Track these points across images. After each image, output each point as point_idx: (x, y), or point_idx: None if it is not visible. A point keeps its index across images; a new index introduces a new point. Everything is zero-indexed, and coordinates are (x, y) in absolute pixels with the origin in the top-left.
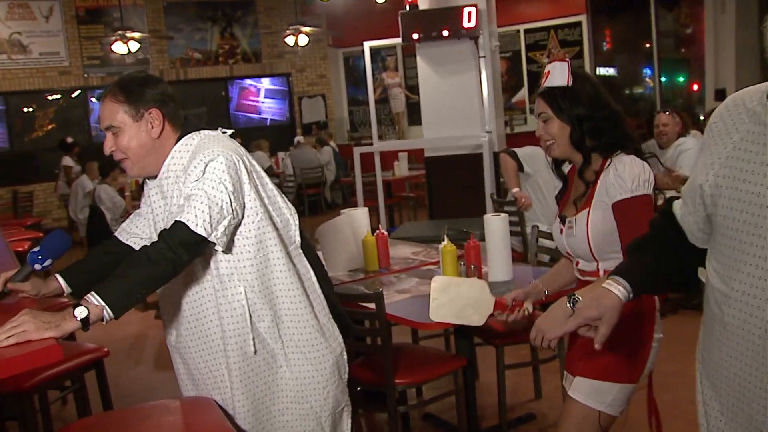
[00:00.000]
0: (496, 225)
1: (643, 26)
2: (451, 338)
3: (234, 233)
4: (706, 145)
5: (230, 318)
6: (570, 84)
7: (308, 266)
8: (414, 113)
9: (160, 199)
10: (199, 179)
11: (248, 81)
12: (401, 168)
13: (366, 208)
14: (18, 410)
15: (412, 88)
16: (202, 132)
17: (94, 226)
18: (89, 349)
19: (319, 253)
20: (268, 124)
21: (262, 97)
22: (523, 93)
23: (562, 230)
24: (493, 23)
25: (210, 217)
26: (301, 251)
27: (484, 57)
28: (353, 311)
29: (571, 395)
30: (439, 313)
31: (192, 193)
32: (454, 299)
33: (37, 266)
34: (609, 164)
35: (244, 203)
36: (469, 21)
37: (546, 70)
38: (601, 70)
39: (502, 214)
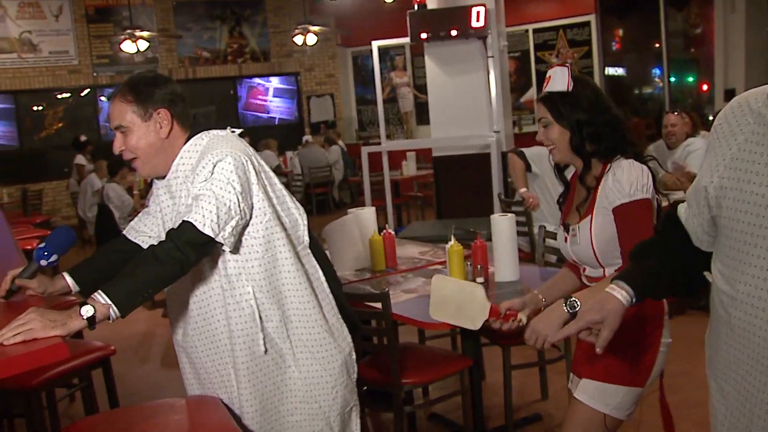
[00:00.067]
0: (503, 225)
1: (653, 26)
2: (458, 338)
3: (242, 233)
4: (711, 147)
5: (238, 318)
6: (570, 89)
7: (317, 266)
8: (422, 113)
9: (169, 198)
10: (208, 179)
11: (257, 80)
12: (409, 167)
13: (373, 208)
14: (25, 408)
15: (421, 88)
16: (211, 132)
17: (102, 225)
18: (96, 347)
19: (326, 253)
20: (276, 123)
21: (271, 96)
22: (532, 93)
23: (566, 239)
24: (501, 23)
25: (218, 217)
26: (309, 251)
27: (493, 57)
28: (360, 311)
29: (577, 397)
30: (437, 312)
31: (200, 193)
32: (452, 300)
33: (43, 262)
34: (609, 169)
35: (252, 204)
36: (477, 21)
37: (547, 75)
38: (610, 70)
39: (509, 214)
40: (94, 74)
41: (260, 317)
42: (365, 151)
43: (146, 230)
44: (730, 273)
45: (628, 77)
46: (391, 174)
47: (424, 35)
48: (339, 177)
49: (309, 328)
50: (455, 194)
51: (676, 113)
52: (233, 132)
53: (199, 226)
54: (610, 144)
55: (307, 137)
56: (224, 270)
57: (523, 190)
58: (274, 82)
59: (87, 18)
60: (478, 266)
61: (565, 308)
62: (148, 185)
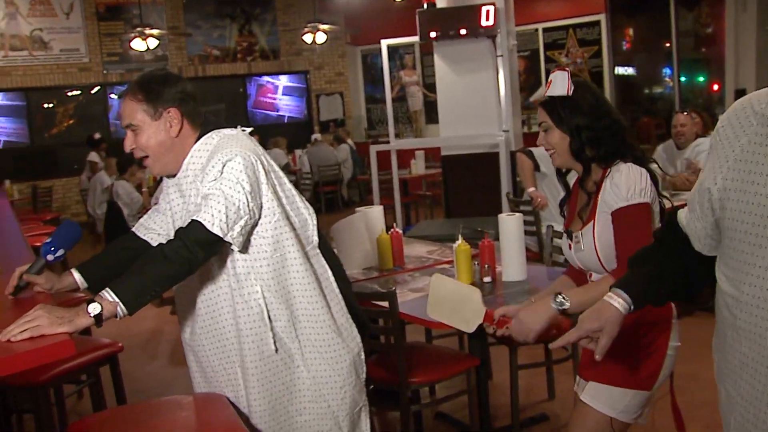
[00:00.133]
0: (510, 224)
1: (663, 25)
2: (465, 337)
3: (251, 233)
4: (714, 149)
5: (247, 317)
6: (570, 93)
7: (326, 266)
8: (432, 111)
9: (179, 197)
10: (217, 179)
11: (266, 78)
12: (418, 166)
13: (381, 207)
14: (33, 404)
15: (430, 87)
16: (221, 131)
17: (111, 222)
18: (103, 344)
19: (334, 251)
20: (285, 121)
21: (280, 95)
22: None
23: (570, 245)
24: (511, 22)
25: (226, 217)
26: (318, 251)
27: (502, 56)
28: (367, 309)
29: (584, 400)
30: (434, 311)
31: (209, 192)
32: (449, 301)
33: (50, 257)
34: (608, 174)
35: (261, 203)
36: (487, 19)
37: (548, 80)
38: (620, 70)
39: (517, 214)
40: (104, 72)
41: (269, 317)
42: (374, 149)
43: (156, 227)
44: (735, 275)
45: (638, 77)
46: (399, 173)
47: (433, 34)
48: (348, 175)
49: (317, 328)
50: (464, 193)
51: (685, 113)
52: (244, 131)
53: (208, 226)
54: (609, 149)
55: (317, 135)
56: (233, 269)
57: (531, 189)
58: (284, 81)
59: (97, 16)
60: (486, 266)
61: (553, 305)
62: (157, 183)
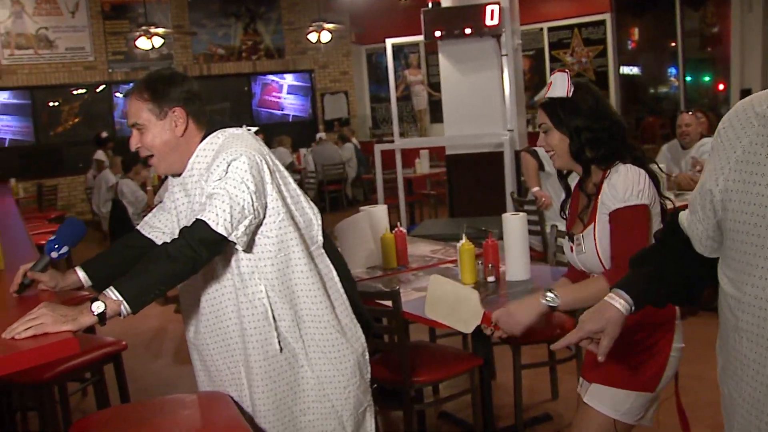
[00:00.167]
0: (514, 224)
1: (668, 25)
2: (469, 337)
3: (255, 233)
4: (716, 151)
5: (251, 317)
6: (570, 95)
7: (330, 266)
8: (437, 111)
9: (184, 196)
10: (222, 178)
11: (271, 77)
12: (422, 165)
13: (385, 206)
14: (38, 401)
15: (435, 86)
16: (227, 130)
17: (116, 220)
18: (107, 342)
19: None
20: (290, 120)
21: (285, 93)
22: None
23: (572, 248)
24: (516, 21)
25: (231, 216)
26: (323, 251)
27: (507, 55)
28: (370, 308)
29: (587, 402)
30: (432, 311)
31: (214, 192)
32: (447, 302)
33: (54, 254)
34: (607, 176)
35: (265, 203)
36: (491, 19)
37: (549, 81)
38: (625, 69)
39: (521, 213)
40: (110, 70)
41: (273, 317)
42: (378, 148)
43: (160, 226)
44: (737, 276)
45: (643, 76)
46: (404, 172)
47: (438, 33)
48: (352, 174)
49: (321, 328)
50: (468, 192)
51: (690, 113)
52: (249, 130)
53: (212, 225)
54: (608, 150)
55: (321, 134)
56: (237, 269)
57: (535, 189)
58: (289, 80)
59: (103, 14)
60: (489, 265)
61: (543, 301)
62: (162, 181)
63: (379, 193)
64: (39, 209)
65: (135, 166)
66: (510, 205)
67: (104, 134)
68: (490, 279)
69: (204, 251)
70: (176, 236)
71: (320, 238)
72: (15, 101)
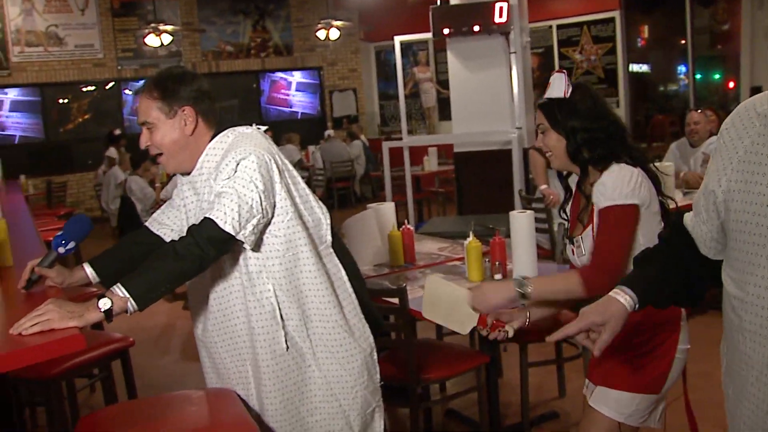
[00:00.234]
0: (521, 222)
1: (678, 22)
2: (476, 335)
3: (263, 232)
4: (718, 152)
5: (259, 315)
6: (567, 96)
7: (339, 265)
8: (445, 108)
9: (193, 194)
10: (231, 177)
11: (280, 74)
12: (431, 163)
13: (392, 203)
14: (45, 397)
15: (444, 83)
16: (236, 129)
17: (125, 217)
18: (115, 338)
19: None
20: (299, 117)
21: (294, 91)
22: None
23: (573, 251)
24: (524, 18)
25: (239, 215)
26: (332, 250)
27: (515, 53)
28: (377, 306)
29: (592, 405)
30: (430, 312)
31: (223, 190)
32: (444, 303)
33: (61, 249)
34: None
35: (274, 202)
36: (500, 16)
37: (548, 82)
38: (635, 67)
39: (528, 211)
40: (119, 68)
41: (281, 316)
42: (387, 146)
43: (169, 223)
44: (739, 276)
45: (652, 74)
46: (412, 169)
47: (446, 31)
48: (361, 172)
49: (329, 327)
50: (476, 190)
51: (699, 111)
52: (259, 129)
53: (221, 224)
54: (605, 151)
55: (330, 132)
56: (245, 267)
57: (543, 186)
58: (297, 77)
59: (112, 12)
60: (497, 263)
61: (515, 286)
62: (170, 177)
63: (387, 191)
64: (48, 206)
65: (144, 163)
66: (518, 203)
67: (117, 131)
68: (497, 277)
69: (211, 250)
70: (184, 234)
71: (329, 238)
72: (25, 98)
